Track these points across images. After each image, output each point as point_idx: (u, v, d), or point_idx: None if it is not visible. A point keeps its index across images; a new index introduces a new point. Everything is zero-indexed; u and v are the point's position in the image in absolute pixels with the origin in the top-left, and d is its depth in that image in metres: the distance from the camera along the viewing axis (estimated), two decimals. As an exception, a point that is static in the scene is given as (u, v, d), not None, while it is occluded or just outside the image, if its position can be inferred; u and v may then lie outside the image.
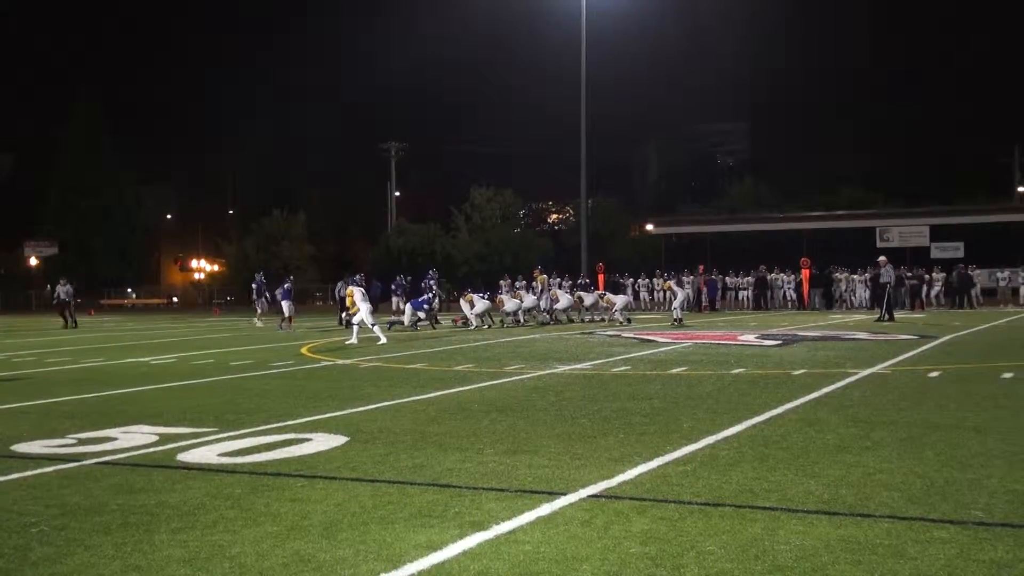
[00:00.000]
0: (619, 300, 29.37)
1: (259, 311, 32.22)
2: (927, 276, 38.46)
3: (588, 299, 30.42)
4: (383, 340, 20.17)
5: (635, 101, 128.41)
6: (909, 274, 38.74)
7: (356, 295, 21.00)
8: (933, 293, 38.06)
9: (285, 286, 29.36)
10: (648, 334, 22.12)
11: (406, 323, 26.90)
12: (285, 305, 28.57)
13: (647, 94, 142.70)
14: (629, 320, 28.28)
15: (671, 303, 29.80)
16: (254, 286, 33.25)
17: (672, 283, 30.10)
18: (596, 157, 52.57)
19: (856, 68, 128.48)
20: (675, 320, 27.19)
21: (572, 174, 51.88)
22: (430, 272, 31.49)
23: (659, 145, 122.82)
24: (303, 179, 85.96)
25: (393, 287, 35.39)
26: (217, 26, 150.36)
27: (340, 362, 16.00)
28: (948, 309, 35.80)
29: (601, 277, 43.28)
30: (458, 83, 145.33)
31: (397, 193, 79.26)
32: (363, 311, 20.72)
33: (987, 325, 24.01)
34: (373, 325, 20.65)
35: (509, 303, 28.36)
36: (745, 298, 41.55)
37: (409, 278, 36.99)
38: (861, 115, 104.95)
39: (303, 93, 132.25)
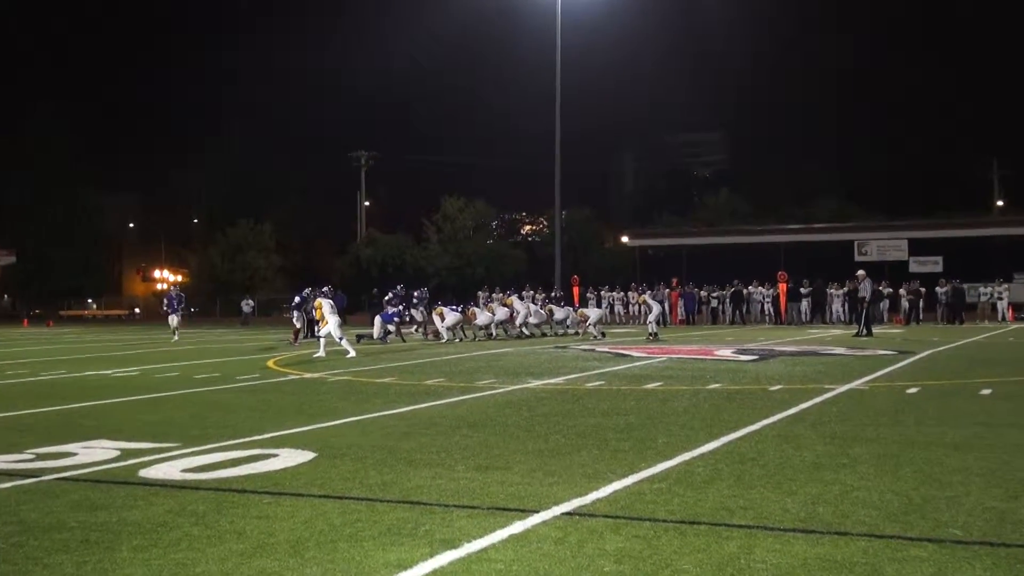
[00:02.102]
0: (593, 314, 29.33)
1: (173, 325, 31.47)
2: (921, 290, 38.31)
3: (559, 313, 30.37)
4: (352, 354, 20.00)
5: (611, 111, 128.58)
6: (889, 288, 38.83)
7: (325, 307, 20.84)
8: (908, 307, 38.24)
9: (299, 298, 27.63)
10: (623, 348, 22.06)
11: (375, 336, 26.72)
12: (295, 315, 27.63)
13: (623, 104, 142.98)
14: (603, 334, 28.24)
15: (646, 317, 29.76)
16: (165, 300, 32.77)
17: (647, 296, 30.07)
18: (571, 168, 52.55)
19: (837, 78, 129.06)
20: (650, 334, 27.14)
21: (546, 184, 51.93)
22: (398, 287, 30.94)
23: (635, 156, 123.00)
24: (270, 188, 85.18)
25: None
26: (181, 35, 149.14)
27: (308, 376, 15.83)
28: (937, 324, 35.97)
29: (576, 290, 43.25)
30: (429, 93, 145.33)
31: (367, 203, 78.97)
32: (331, 324, 20.56)
33: (966, 340, 24.15)
34: (341, 338, 20.47)
35: (481, 316, 28.26)
36: (722, 312, 41.58)
37: (376, 290, 36.83)
38: (841, 127, 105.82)
39: (271, 101, 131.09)
